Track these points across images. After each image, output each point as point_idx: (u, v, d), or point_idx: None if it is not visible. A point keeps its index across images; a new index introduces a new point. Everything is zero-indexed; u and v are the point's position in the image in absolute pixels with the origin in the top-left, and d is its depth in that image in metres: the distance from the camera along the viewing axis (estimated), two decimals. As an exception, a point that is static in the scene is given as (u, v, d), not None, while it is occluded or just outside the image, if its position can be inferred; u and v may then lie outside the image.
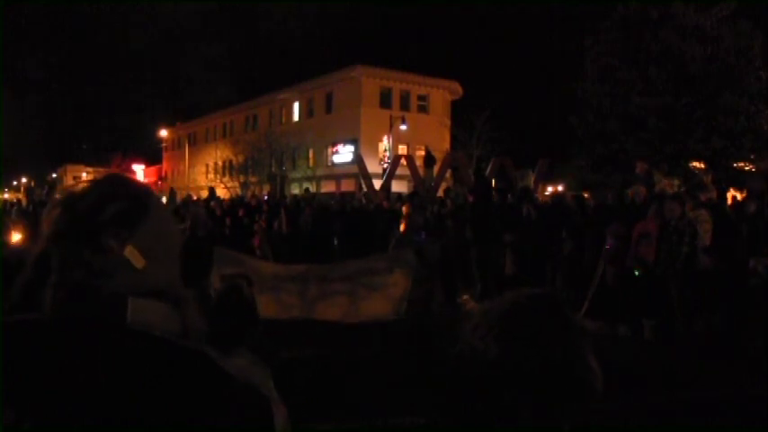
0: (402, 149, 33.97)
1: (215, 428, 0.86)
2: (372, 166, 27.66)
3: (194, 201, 17.30)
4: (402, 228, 9.51)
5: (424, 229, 9.76)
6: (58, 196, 0.99)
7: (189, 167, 52.35)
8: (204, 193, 20.99)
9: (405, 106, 39.96)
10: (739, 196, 10.98)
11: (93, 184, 0.99)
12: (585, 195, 11.80)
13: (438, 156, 24.65)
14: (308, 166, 40.97)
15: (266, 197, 18.80)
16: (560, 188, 23.51)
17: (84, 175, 24.78)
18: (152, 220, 0.97)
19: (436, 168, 22.43)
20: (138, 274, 0.94)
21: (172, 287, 0.99)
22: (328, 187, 34.88)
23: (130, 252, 0.94)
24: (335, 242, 13.82)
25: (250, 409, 0.89)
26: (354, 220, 13.93)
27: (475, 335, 1.13)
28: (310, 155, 41.86)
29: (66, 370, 0.86)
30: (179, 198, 20.91)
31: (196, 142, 55.53)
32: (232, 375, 0.90)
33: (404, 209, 13.19)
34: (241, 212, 15.29)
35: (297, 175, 38.97)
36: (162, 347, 0.90)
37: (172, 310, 0.96)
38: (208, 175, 49.44)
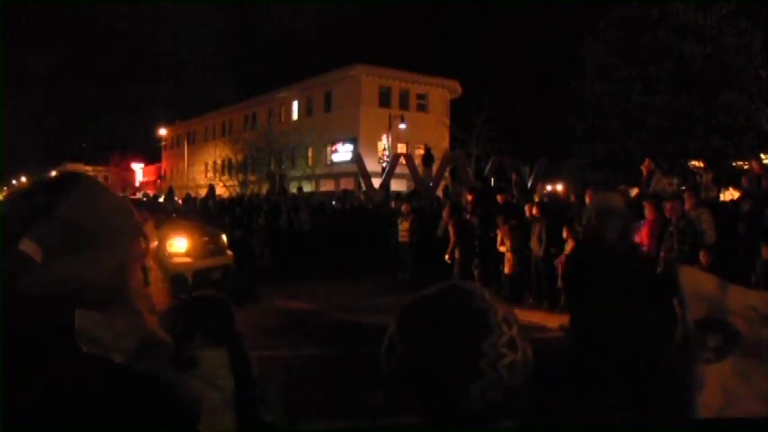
0: (401, 148, 33.96)
1: None
2: (371, 165, 27.66)
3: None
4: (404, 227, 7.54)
5: None
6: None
7: (188, 166, 52.36)
8: (203, 192, 20.92)
9: (404, 105, 39.92)
10: (736, 195, 10.97)
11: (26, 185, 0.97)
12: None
13: (437, 155, 24.63)
14: (308, 165, 40.94)
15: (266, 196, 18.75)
16: (559, 187, 23.48)
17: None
18: (66, 211, 0.91)
19: (435, 167, 22.42)
20: (42, 268, 0.88)
21: (92, 283, 0.92)
22: (327, 186, 34.88)
23: (26, 245, 0.88)
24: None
25: None
26: (354, 220, 13.93)
27: (391, 331, 1.12)
28: (309, 154, 41.82)
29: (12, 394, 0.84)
30: (178, 197, 20.86)
31: (195, 141, 55.51)
32: (180, 402, 0.86)
33: (403, 208, 13.22)
34: (239, 211, 15.27)
35: (296, 173, 38.90)
36: (104, 369, 0.86)
37: (111, 321, 0.91)
38: (207, 173, 49.49)
